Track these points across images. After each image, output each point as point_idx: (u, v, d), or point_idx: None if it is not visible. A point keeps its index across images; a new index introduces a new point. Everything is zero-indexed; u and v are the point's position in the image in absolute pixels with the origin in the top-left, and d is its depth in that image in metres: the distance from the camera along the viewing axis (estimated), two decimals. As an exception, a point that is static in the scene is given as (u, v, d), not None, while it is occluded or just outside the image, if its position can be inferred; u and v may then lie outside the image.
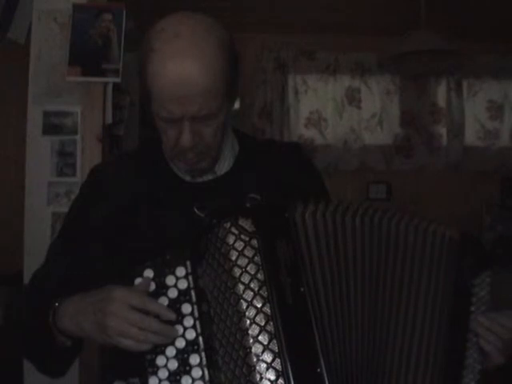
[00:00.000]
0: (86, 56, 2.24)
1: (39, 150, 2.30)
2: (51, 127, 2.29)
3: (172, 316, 0.88)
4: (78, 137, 2.29)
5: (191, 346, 0.88)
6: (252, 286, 0.85)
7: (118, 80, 2.27)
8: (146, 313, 0.87)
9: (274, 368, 0.82)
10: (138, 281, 0.90)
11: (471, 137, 4.14)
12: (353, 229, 0.93)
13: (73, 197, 1.17)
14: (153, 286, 0.90)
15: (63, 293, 1.03)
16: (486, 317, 0.96)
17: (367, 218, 0.94)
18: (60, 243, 1.12)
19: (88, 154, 2.27)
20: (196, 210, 0.98)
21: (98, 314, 0.89)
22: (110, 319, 0.87)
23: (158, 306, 0.89)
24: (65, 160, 2.29)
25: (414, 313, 0.92)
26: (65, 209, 1.17)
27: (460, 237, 0.97)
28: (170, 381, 0.87)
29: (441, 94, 4.14)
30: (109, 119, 2.31)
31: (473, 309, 0.96)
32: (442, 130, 4.13)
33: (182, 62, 0.92)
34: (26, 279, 2.21)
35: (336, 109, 4.08)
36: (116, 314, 0.87)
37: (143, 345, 0.87)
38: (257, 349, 0.83)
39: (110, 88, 2.30)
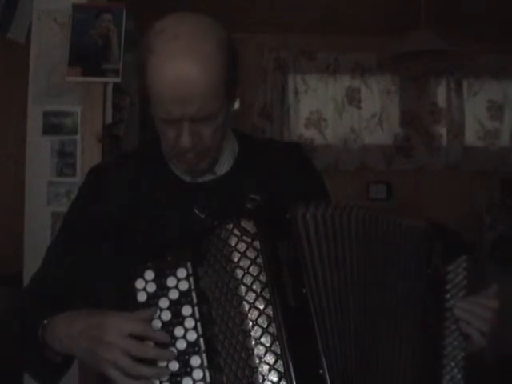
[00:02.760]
0: (86, 56, 2.24)
1: (39, 150, 2.30)
2: (51, 127, 2.29)
3: (168, 339, 0.86)
4: (78, 137, 2.29)
5: (192, 348, 0.87)
6: (254, 287, 0.85)
7: (118, 80, 2.27)
8: (141, 339, 0.86)
9: (277, 370, 0.82)
10: (139, 282, 0.90)
11: (471, 137, 4.14)
12: (349, 228, 0.93)
13: (73, 197, 1.16)
14: (153, 287, 0.90)
15: (63, 295, 1.03)
16: (465, 300, 0.97)
17: (360, 217, 0.94)
18: (60, 244, 1.11)
19: (88, 154, 2.27)
20: (196, 210, 0.98)
21: (89, 341, 0.87)
22: (103, 349, 0.85)
23: (153, 331, 0.87)
24: (65, 160, 2.29)
25: (395, 306, 0.93)
26: (65, 209, 1.17)
27: (428, 227, 0.99)
28: (170, 382, 0.86)
29: (441, 94, 4.14)
30: (109, 119, 2.31)
31: (448, 296, 0.97)
32: (442, 130, 4.13)
33: (181, 63, 0.92)
34: (26, 279, 2.18)
35: (336, 109, 4.08)
36: (110, 343, 0.85)
37: (133, 381, 0.84)
38: (259, 350, 0.83)
39: (109, 88, 2.30)
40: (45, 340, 0.95)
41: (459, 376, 0.95)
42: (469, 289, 0.99)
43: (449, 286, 0.97)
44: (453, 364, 0.95)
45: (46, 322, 0.96)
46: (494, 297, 0.98)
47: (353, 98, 4.09)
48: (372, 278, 0.92)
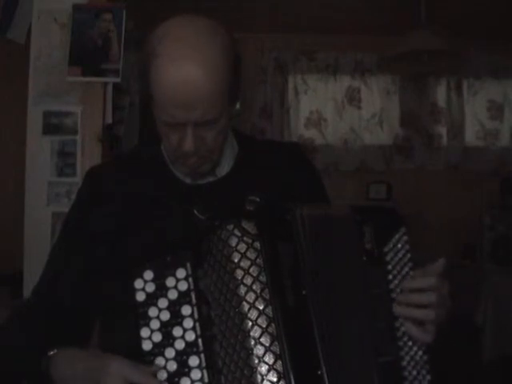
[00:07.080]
0: (86, 56, 2.24)
1: (39, 150, 2.30)
2: (51, 127, 2.29)
3: None
4: (77, 137, 2.29)
5: (190, 348, 0.87)
6: (254, 287, 0.85)
7: (117, 80, 2.27)
8: None
9: (276, 370, 0.82)
10: (138, 282, 0.90)
11: (471, 137, 4.15)
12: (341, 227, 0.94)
13: (73, 197, 1.16)
14: (152, 288, 0.90)
15: (67, 310, 1.02)
16: (401, 298, 0.92)
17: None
18: (61, 250, 1.10)
19: (88, 154, 2.27)
20: (196, 212, 0.98)
21: (88, 383, 0.87)
22: None
23: (157, 382, 0.85)
24: (65, 160, 2.29)
25: (353, 299, 0.92)
26: (65, 209, 1.17)
27: (354, 213, 0.96)
28: (169, 382, 0.86)
29: (441, 94, 4.15)
30: (109, 119, 2.31)
31: (390, 277, 0.93)
32: (442, 130, 4.14)
33: (185, 67, 0.91)
34: (26, 279, 2.20)
35: (336, 109, 4.09)
36: None
37: None
38: (258, 350, 0.83)
39: (110, 88, 2.30)
40: (48, 371, 0.93)
41: (420, 353, 0.93)
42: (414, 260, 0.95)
43: (389, 267, 0.94)
44: (410, 343, 0.92)
45: (51, 353, 0.94)
46: (435, 273, 0.93)
47: (353, 98, 4.09)
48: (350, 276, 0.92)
